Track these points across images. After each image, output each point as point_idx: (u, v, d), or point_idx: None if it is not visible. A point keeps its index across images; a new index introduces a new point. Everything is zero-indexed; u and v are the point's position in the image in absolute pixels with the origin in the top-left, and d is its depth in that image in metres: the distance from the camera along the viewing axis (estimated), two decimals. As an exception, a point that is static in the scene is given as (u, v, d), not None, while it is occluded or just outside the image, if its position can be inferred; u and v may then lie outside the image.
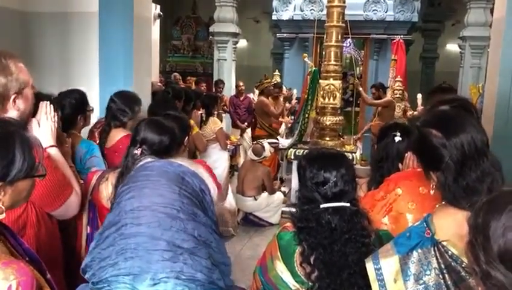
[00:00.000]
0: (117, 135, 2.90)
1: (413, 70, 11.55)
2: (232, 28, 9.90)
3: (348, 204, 1.66)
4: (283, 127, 8.33)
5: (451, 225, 1.29)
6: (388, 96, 7.51)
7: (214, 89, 8.87)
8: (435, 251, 1.29)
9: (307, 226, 1.65)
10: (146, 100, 3.85)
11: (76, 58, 3.67)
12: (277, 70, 9.61)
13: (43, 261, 1.34)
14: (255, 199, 5.75)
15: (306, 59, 6.55)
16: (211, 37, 10.74)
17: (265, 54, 14.33)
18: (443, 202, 1.37)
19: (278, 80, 8.97)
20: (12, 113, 1.80)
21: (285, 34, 9.78)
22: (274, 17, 9.62)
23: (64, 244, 2.10)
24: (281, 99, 8.02)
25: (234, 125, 8.15)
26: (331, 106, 5.53)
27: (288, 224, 1.76)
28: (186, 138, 2.62)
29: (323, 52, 5.72)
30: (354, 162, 5.22)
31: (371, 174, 2.35)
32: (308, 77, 6.23)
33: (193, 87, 8.53)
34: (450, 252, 1.28)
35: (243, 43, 13.37)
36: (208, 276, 0.96)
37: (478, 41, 8.41)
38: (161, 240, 0.95)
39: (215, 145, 5.22)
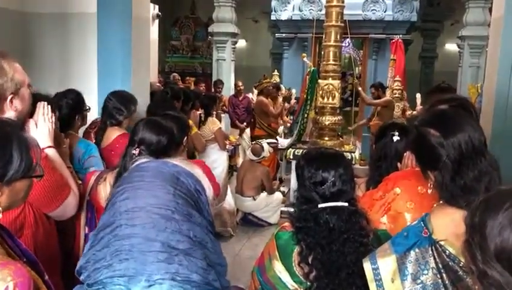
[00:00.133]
0: (113, 134, 2.92)
1: (412, 69, 11.55)
2: (231, 28, 9.89)
3: (346, 204, 1.66)
4: (281, 127, 8.33)
5: (449, 225, 1.29)
6: (387, 96, 7.51)
7: (213, 89, 8.87)
8: (432, 250, 1.29)
9: (305, 226, 1.65)
10: (145, 100, 3.84)
11: (75, 59, 3.67)
12: (276, 70, 9.61)
13: (41, 262, 1.34)
14: (254, 199, 5.75)
15: (305, 59, 6.55)
16: (209, 37, 10.74)
17: (264, 54, 14.33)
18: (441, 202, 1.37)
19: (277, 79, 8.97)
20: (9, 113, 1.80)
21: (284, 34, 9.77)
22: (273, 17, 9.61)
23: (62, 245, 2.09)
24: (280, 99, 8.02)
25: (233, 125, 8.16)
26: (330, 105, 5.53)
27: (287, 224, 1.76)
28: (185, 138, 2.62)
29: (322, 52, 5.71)
30: (353, 162, 5.23)
31: (370, 174, 2.35)
32: (307, 76, 6.23)
33: (192, 87, 8.54)
34: (447, 251, 1.28)
35: (241, 43, 13.37)
36: (204, 277, 0.95)
37: (477, 40, 8.41)
38: (156, 241, 0.94)
39: (214, 146, 5.22)
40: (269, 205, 5.81)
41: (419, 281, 1.28)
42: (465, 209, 1.15)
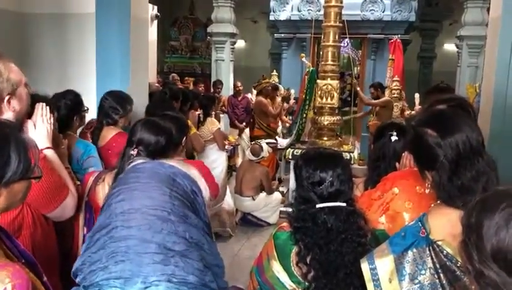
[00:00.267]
0: (109, 133, 2.95)
1: (411, 69, 11.55)
2: (230, 29, 9.90)
3: (344, 204, 1.66)
4: (280, 126, 8.33)
5: (446, 225, 1.29)
6: (386, 96, 7.52)
7: (212, 90, 8.87)
8: (430, 250, 1.29)
9: (303, 226, 1.65)
10: (143, 101, 3.84)
11: (74, 59, 3.67)
12: (275, 71, 9.61)
13: (39, 263, 1.33)
14: (253, 199, 5.75)
15: (304, 59, 6.55)
16: (208, 37, 10.73)
17: (263, 54, 14.32)
18: (438, 202, 1.38)
19: (276, 80, 8.97)
20: (8, 114, 1.80)
21: (282, 34, 9.76)
22: (271, 18, 9.60)
23: (61, 245, 2.09)
24: (279, 99, 8.02)
25: (232, 125, 8.16)
26: (328, 105, 5.53)
27: (285, 224, 1.76)
28: (184, 138, 2.62)
29: (321, 52, 5.71)
30: (352, 162, 5.22)
31: (368, 174, 2.35)
32: (306, 77, 6.23)
33: (191, 87, 8.54)
34: (445, 251, 1.28)
35: (240, 43, 13.36)
36: (200, 278, 0.95)
37: (475, 40, 8.41)
38: (152, 243, 0.94)
39: (213, 146, 5.22)
40: (268, 205, 5.81)
41: (416, 281, 1.28)
42: (462, 210, 1.15)
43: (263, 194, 5.82)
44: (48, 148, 2.02)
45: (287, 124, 8.37)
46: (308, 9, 9.00)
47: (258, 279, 1.77)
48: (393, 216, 1.83)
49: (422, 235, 1.33)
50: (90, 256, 0.97)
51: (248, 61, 14.12)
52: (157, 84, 6.09)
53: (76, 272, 0.99)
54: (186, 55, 13.33)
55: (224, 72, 9.96)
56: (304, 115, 6.04)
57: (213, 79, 9.71)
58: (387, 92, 7.64)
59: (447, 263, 1.26)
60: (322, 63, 5.59)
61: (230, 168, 7.11)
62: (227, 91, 9.26)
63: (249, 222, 5.76)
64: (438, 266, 1.27)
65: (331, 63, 5.46)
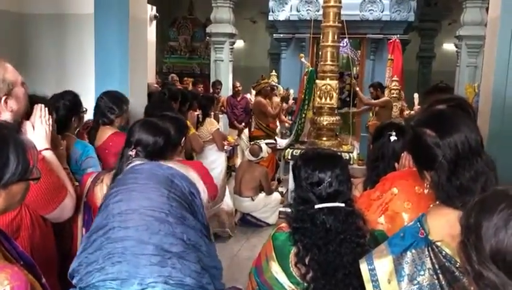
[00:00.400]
0: (106, 133, 2.97)
1: (410, 69, 11.55)
2: (229, 29, 9.90)
3: (342, 204, 1.66)
4: (279, 127, 8.33)
5: (445, 225, 1.29)
6: (385, 96, 7.52)
7: (211, 90, 8.87)
8: (428, 251, 1.29)
9: (302, 227, 1.65)
10: (142, 101, 3.84)
11: (73, 60, 3.67)
12: (274, 71, 9.61)
13: (38, 265, 1.33)
14: (253, 200, 5.75)
15: (303, 59, 6.55)
16: (207, 37, 10.73)
17: (262, 55, 14.32)
18: (437, 202, 1.37)
19: (275, 80, 8.97)
20: (5, 114, 1.80)
21: (281, 35, 9.76)
22: (270, 18, 9.60)
23: (59, 247, 2.09)
24: (277, 99, 8.01)
25: (231, 125, 8.16)
26: (327, 106, 5.53)
27: (284, 224, 1.76)
28: (183, 138, 2.62)
29: (320, 53, 5.71)
30: (351, 162, 5.22)
31: (367, 174, 2.34)
32: (305, 77, 6.23)
33: (190, 88, 8.53)
34: (444, 252, 1.28)
35: (239, 43, 13.35)
36: (198, 280, 0.94)
37: (474, 40, 8.43)
38: (149, 244, 0.93)
39: (212, 146, 5.22)
40: (268, 206, 5.81)
41: (415, 282, 1.28)
42: (461, 210, 1.15)
43: (262, 195, 5.82)
44: (46, 149, 2.01)
45: (286, 124, 8.37)
46: (307, 10, 8.99)
47: (257, 280, 1.77)
48: (393, 216, 1.83)
49: (421, 236, 1.32)
50: (87, 257, 0.96)
51: (247, 62, 14.12)
52: (156, 85, 6.09)
53: (73, 273, 0.99)
54: (185, 55, 13.33)
55: (223, 73, 9.96)
56: (303, 115, 6.04)
57: (212, 79, 9.71)
58: (386, 92, 7.64)
59: (446, 263, 1.26)
60: (321, 63, 5.59)
61: (230, 169, 7.11)
62: (226, 91, 9.26)
63: (248, 223, 5.76)
64: (437, 266, 1.27)
65: (330, 63, 5.46)
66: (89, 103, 3.06)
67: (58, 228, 2.08)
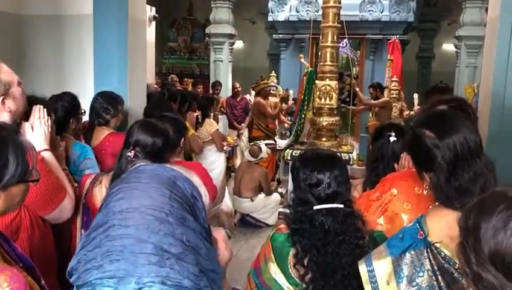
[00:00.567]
0: (102, 133, 2.98)
1: (410, 70, 11.54)
2: (228, 29, 9.90)
3: (341, 205, 1.66)
4: (278, 127, 8.33)
5: (444, 226, 1.29)
6: (385, 96, 7.52)
7: (211, 91, 8.87)
8: (427, 252, 1.29)
9: (301, 228, 1.65)
10: (141, 102, 3.84)
11: (71, 61, 3.66)
12: (273, 71, 9.60)
13: (37, 266, 1.33)
14: (252, 200, 5.75)
15: (302, 60, 6.55)
16: (207, 38, 10.73)
17: (261, 55, 14.32)
18: (436, 203, 1.37)
19: (275, 80, 8.97)
20: (4, 115, 1.80)
21: (281, 35, 9.75)
22: (270, 18, 9.59)
23: (58, 247, 2.09)
24: (274, 99, 8.00)
25: (231, 126, 8.16)
26: (327, 106, 5.52)
27: (282, 226, 1.76)
28: (182, 139, 2.62)
29: (319, 53, 5.70)
30: (351, 163, 5.22)
31: (366, 175, 2.34)
32: (305, 77, 6.22)
33: (190, 88, 8.53)
34: (442, 253, 1.27)
35: (239, 44, 13.36)
36: (195, 283, 0.93)
37: (474, 40, 8.42)
38: (148, 243, 0.93)
39: (211, 147, 5.22)
40: (267, 206, 5.81)
41: (414, 283, 1.27)
42: (460, 211, 1.15)
43: (262, 195, 5.82)
44: (45, 150, 2.02)
45: (286, 125, 8.37)
46: (307, 10, 8.99)
47: (256, 281, 1.77)
48: (392, 217, 1.82)
49: (420, 237, 1.32)
50: (86, 254, 0.95)
51: (246, 62, 14.12)
52: (155, 86, 6.08)
53: (72, 271, 0.98)
54: (185, 56, 13.32)
55: (223, 73, 9.96)
56: (303, 116, 6.03)
57: (211, 80, 9.71)
58: (386, 92, 7.64)
59: (445, 265, 1.26)
60: (321, 63, 5.58)
61: (229, 169, 7.10)
62: (225, 92, 9.26)
63: (248, 223, 5.76)
64: (435, 268, 1.27)
65: (330, 63, 5.45)
66: (87, 104, 3.07)
67: (57, 229, 2.09)
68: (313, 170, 1.69)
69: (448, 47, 12.38)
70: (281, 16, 9.35)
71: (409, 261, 1.30)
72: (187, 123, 4.22)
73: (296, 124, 6.23)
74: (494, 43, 3.14)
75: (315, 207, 1.65)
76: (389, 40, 8.44)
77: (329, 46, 5.40)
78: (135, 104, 3.61)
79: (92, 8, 3.51)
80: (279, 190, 6.70)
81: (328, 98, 5.47)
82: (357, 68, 9.71)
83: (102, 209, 1.03)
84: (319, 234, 1.62)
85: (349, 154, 5.41)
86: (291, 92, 8.45)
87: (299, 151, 5.32)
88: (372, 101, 7.62)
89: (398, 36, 8.43)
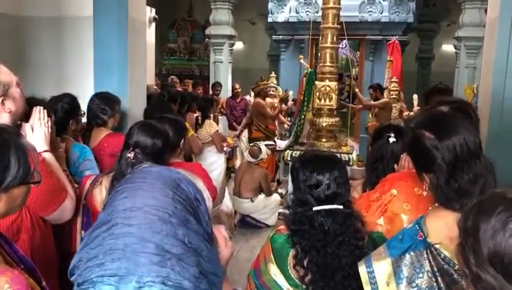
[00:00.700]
0: (100, 134, 2.98)
1: (409, 70, 11.54)
2: (228, 30, 9.90)
3: (341, 207, 1.66)
4: (277, 128, 8.33)
5: (443, 228, 1.29)
6: (384, 97, 7.52)
7: (211, 92, 8.87)
8: (427, 253, 1.29)
9: (300, 229, 1.65)
10: (141, 103, 3.84)
11: (72, 62, 3.66)
12: (273, 72, 9.60)
13: (38, 267, 1.33)
14: (252, 201, 5.75)
15: (302, 61, 6.56)
16: (207, 39, 10.74)
17: (261, 56, 14.32)
18: (436, 204, 1.38)
19: (274, 81, 8.97)
20: (4, 116, 1.80)
21: (280, 36, 9.76)
22: (270, 19, 9.60)
23: (59, 248, 2.09)
24: (273, 100, 8.00)
25: (231, 127, 8.15)
26: (327, 107, 5.53)
27: (282, 227, 1.76)
28: (182, 140, 2.62)
29: (319, 54, 5.71)
30: (351, 163, 5.22)
31: (366, 175, 2.35)
32: (304, 78, 6.23)
33: (190, 90, 8.53)
34: (442, 254, 1.28)
35: (239, 45, 13.36)
36: (196, 285, 0.93)
37: (473, 41, 8.43)
38: (150, 242, 0.93)
39: (211, 148, 5.22)
40: (267, 207, 5.81)
41: (414, 284, 1.28)
42: (460, 212, 1.15)
43: (262, 196, 5.82)
44: (46, 151, 2.02)
45: (286, 126, 8.37)
46: (306, 11, 9.00)
47: (256, 282, 1.77)
48: (392, 218, 1.83)
49: (419, 238, 1.32)
50: (88, 252, 0.95)
51: (246, 63, 14.13)
52: (155, 87, 6.08)
53: (73, 269, 0.97)
54: (185, 57, 13.33)
55: (223, 74, 9.97)
56: (302, 117, 6.04)
57: (211, 81, 9.72)
58: (385, 93, 7.64)
59: (445, 266, 1.26)
60: (320, 64, 5.59)
61: (229, 170, 7.11)
62: (225, 93, 9.26)
63: (248, 224, 5.76)
64: (435, 269, 1.27)
65: (329, 64, 5.46)
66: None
67: (57, 230, 2.09)
68: (312, 171, 1.69)
69: (448, 48, 12.39)
70: (281, 17, 9.36)
71: (408, 263, 1.30)
72: (187, 124, 4.22)
73: (295, 124, 6.23)
74: (493, 44, 3.15)
75: (315, 208, 1.65)
76: (389, 41, 8.44)
77: (329, 47, 5.41)
78: (135, 105, 3.61)
79: (92, 10, 3.52)
80: (279, 190, 6.70)
81: (327, 99, 5.47)
82: (357, 69, 9.72)
83: (106, 208, 1.03)
84: (318, 235, 1.62)
85: (349, 155, 5.41)
86: (290, 92, 8.45)
87: (298, 152, 5.33)
88: (372, 102, 7.62)
89: (397, 37, 8.43)
